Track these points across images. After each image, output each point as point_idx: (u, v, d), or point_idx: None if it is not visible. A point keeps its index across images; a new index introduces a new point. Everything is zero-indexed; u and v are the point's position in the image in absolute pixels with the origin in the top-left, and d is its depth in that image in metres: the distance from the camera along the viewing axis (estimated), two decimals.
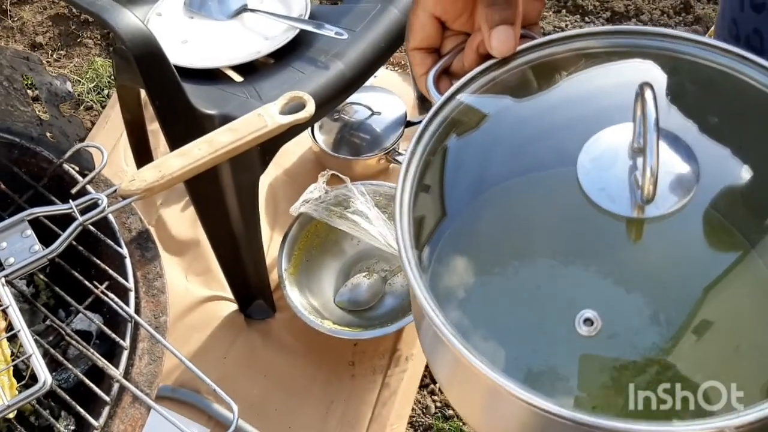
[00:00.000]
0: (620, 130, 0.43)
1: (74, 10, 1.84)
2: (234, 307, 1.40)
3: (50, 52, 1.79)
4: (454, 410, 1.35)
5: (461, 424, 1.33)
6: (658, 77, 0.46)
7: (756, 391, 0.36)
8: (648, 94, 0.39)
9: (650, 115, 0.38)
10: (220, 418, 1.28)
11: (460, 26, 0.50)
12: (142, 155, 1.49)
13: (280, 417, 1.30)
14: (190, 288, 1.41)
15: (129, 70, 1.27)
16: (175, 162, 0.74)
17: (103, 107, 1.68)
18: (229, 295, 1.40)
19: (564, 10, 1.90)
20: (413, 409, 1.34)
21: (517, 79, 0.47)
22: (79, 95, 1.69)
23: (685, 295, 0.39)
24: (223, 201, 1.22)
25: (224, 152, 0.76)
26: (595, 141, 0.43)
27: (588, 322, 0.38)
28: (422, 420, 1.35)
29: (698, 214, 0.40)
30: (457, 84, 0.47)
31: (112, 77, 1.73)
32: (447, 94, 0.47)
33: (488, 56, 0.48)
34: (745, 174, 0.42)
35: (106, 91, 1.73)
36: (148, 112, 1.54)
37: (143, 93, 1.46)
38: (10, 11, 1.84)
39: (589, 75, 0.48)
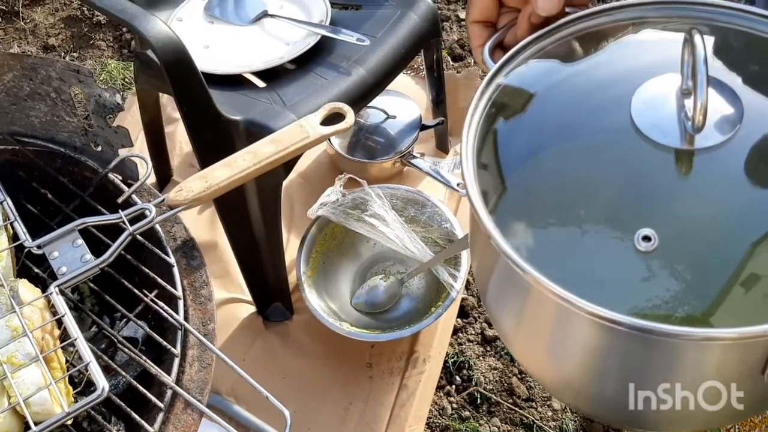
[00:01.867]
0: (668, 79, 0.48)
1: (86, 12, 1.84)
2: (252, 309, 1.42)
3: (63, 54, 1.80)
4: (471, 411, 1.37)
5: (477, 425, 1.36)
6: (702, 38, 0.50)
7: None
8: (697, 36, 0.44)
9: (699, 52, 0.43)
10: (241, 420, 1.30)
11: (514, 2, 0.54)
12: (160, 157, 1.50)
13: (299, 418, 1.32)
14: None
15: (150, 74, 1.28)
16: (221, 172, 0.76)
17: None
18: (248, 297, 1.41)
19: None
20: (430, 410, 1.36)
21: (565, 48, 0.52)
22: None
23: (731, 219, 0.44)
24: (246, 205, 1.23)
25: (268, 163, 0.78)
26: (645, 87, 0.48)
27: (646, 239, 0.42)
28: (439, 421, 1.37)
29: (742, 148, 0.45)
30: (510, 52, 0.52)
31: (126, 80, 1.74)
32: (501, 61, 0.51)
33: (539, 27, 0.52)
34: None
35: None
36: (165, 114, 1.55)
37: (162, 96, 1.47)
38: (22, 13, 1.84)
39: (632, 41, 0.53)
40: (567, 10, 0.53)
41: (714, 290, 0.41)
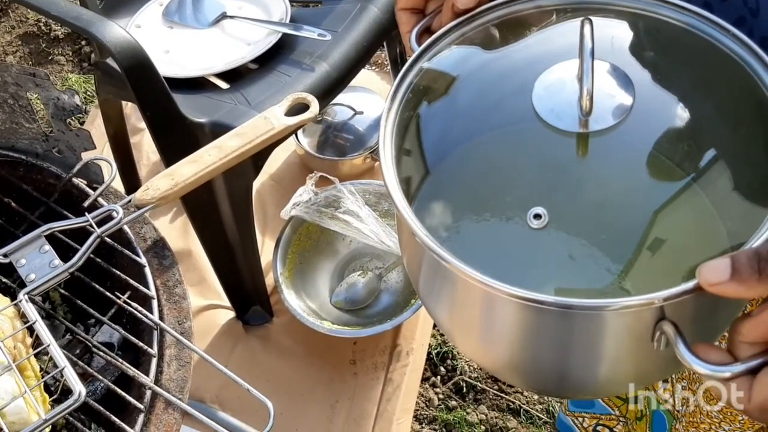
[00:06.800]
0: (570, 65, 0.50)
1: (44, 27, 1.82)
2: (231, 314, 1.40)
3: None
4: (458, 400, 1.37)
5: (465, 414, 1.35)
6: (608, 25, 0.53)
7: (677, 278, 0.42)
8: (587, 27, 0.46)
9: (587, 43, 0.46)
10: (229, 427, 1.28)
11: None
12: (127, 167, 1.49)
13: (286, 420, 1.31)
14: None
15: (112, 84, 1.26)
16: (187, 169, 0.75)
17: (82, 123, 1.67)
18: (226, 303, 1.40)
19: None
20: (417, 402, 1.35)
21: (485, 34, 0.55)
22: None
23: (620, 198, 0.47)
24: (217, 209, 1.22)
25: (234, 156, 0.77)
26: (548, 73, 0.50)
27: (537, 217, 0.45)
28: (426, 413, 1.36)
29: (633, 130, 0.48)
30: (431, 38, 0.54)
31: (88, 93, 1.72)
32: (423, 45, 0.53)
33: (461, 15, 0.54)
34: (675, 102, 0.50)
35: (83, 107, 1.72)
36: (130, 125, 1.53)
37: (125, 106, 1.45)
38: None
39: (548, 27, 0.55)
40: None
41: (609, 259, 0.44)
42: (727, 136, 0.49)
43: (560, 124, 0.48)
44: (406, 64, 0.53)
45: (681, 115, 0.50)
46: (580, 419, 1.12)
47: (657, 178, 0.47)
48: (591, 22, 0.47)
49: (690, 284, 0.39)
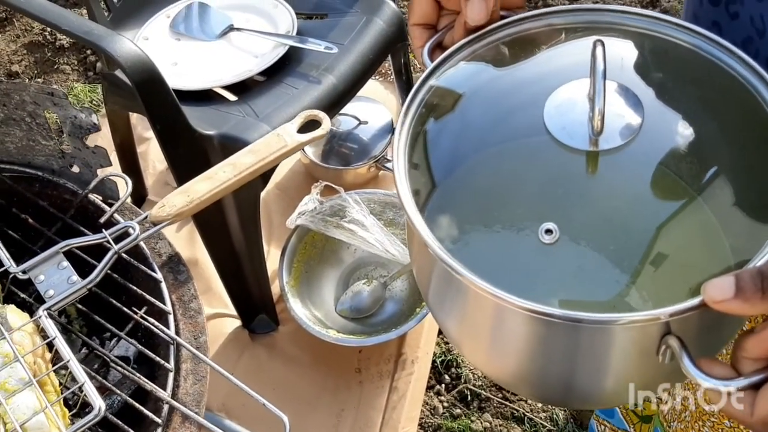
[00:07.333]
0: (580, 84, 0.51)
1: (49, 36, 1.83)
2: (237, 323, 1.41)
3: (27, 80, 1.78)
4: (462, 408, 1.38)
5: (469, 422, 1.37)
6: (618, 45, 0.54)
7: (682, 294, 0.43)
8: (599, 49, 0.48)
9: (599, 65, 0.47)
10: None
11: (453, 5, 0.57)
12: (134, 178, 1.49)
13: (292, 429, 1.31)
14: None
15: (120, 95, 1.28)
16: (202, 186, 0.76)
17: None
18: (232, 311, 1.41)
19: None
20: (421, 410, 1.36)
21: (495, 51, 0.56)
22: None
23: (628, 214, 0.48)
24: (225, 219, 1.23)
25: (248, 173, 0.78)
26: (559, 92, 0.52)
27: (548, 232, 0.46)
28: (431, 421, 1.38)
29: (642, 150, 0.49)
30: (443, 54, 0.55)
31: (93, 102, 1.73)
32: (436, 62, 0.55)
33: (473, 31, 0.55)
34: (682, 122, 0.51)
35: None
36: (136, 134, 1.54)
37: (132, 116, 1.46)
38: None
39: (557, 46, 0.57)
40: (502, 14, 0.56)
41: (618, 274, 0.46)
42: (732, 157, 0.51)
43: (571, 143, 0.49)
44: (419, 80, 0.54)
45: (689, 135, 0.51)
46: (602, 427, 1.14)
47: (664, 197, 0.49)
48: (603, 44, 0.48)
49: (695, 301, 0.40)
